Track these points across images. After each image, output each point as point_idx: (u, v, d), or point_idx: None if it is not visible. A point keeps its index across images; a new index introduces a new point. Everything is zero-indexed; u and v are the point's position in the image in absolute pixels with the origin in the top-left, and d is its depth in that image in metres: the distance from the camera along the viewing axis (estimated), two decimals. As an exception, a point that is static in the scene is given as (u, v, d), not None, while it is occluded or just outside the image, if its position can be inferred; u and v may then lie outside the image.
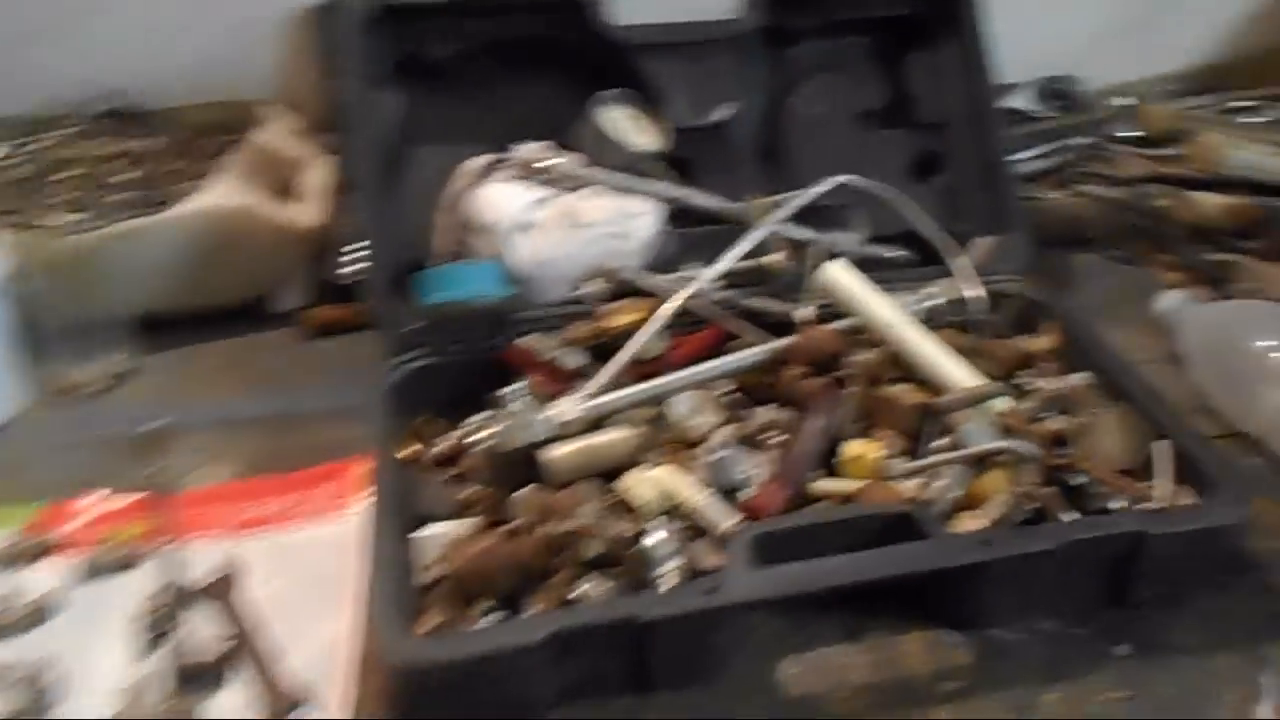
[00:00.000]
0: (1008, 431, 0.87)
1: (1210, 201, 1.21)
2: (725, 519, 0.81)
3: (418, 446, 0.93)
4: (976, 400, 0.89)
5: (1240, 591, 0.81)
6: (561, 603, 0.76)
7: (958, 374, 0.92)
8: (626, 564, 0.78)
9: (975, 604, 0.78)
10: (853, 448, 0.88)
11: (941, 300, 1.01)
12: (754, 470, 0.86)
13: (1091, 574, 0.78)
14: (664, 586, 0.76)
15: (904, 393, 0.91)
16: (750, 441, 0.90)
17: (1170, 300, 1.12)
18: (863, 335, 0.96)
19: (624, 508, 0.82)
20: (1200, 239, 1.21)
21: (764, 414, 0.92)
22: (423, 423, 0.95)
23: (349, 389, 0.95)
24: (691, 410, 0.92)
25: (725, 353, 0.96)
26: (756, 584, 0.73)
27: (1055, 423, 0.90)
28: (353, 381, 0.95)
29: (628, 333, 0.95)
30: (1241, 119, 1.40)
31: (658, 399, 0.91)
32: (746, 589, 0.72)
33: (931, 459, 0.85)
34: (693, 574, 0.76)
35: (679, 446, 0.89)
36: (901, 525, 0.77)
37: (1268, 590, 0.82)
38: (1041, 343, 1.01)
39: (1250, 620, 0.79)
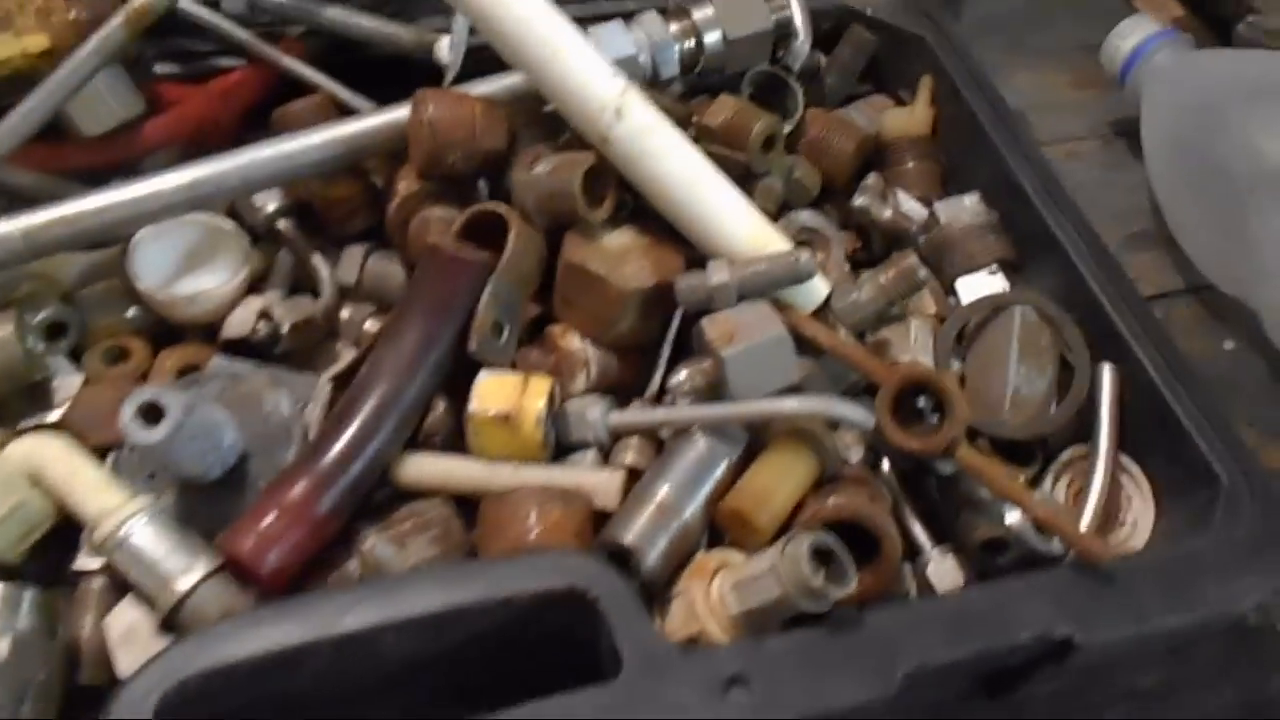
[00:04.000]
0: (813, 355, 0.48)
1: None
2: (175, 577, 0.42)
3: None
4: (774, 282, 0.47)
5: None
6: None
7: (733, 212, 0.50)
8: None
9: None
10: (489, 384, 0.46)
11: (715, 31, 0.57)
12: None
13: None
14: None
15: (624, 257, 0.49)
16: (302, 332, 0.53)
17: (1136, 31, 0.67)
18: (548, 111, 0.53)
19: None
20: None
21: (346, 264, 0.56)
22: None
23: None
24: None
25: (271, 127, 0.56)
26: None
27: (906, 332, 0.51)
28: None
29: None
30: None
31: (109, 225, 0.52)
32: None
33: (652, 413, 0.47)
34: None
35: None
36: (564, 612, 0.39)
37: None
38: (902, 119, 0.61)
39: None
